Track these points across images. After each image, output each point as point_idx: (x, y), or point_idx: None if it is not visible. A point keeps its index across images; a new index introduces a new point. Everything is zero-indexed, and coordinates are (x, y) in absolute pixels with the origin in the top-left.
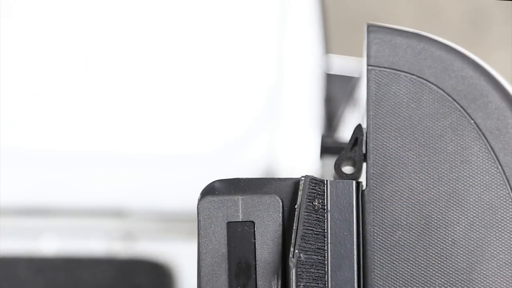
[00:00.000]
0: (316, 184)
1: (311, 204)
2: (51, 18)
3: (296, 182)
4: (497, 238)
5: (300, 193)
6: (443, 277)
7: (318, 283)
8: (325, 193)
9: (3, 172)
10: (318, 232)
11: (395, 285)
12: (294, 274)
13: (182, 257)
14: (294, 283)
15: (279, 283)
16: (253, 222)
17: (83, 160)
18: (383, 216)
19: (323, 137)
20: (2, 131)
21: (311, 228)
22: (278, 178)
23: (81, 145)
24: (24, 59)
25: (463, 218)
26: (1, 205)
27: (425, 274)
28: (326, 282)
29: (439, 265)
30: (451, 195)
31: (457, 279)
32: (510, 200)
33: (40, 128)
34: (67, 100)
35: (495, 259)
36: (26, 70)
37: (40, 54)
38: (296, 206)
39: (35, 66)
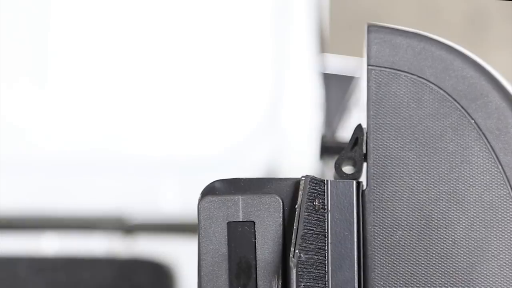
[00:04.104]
0: (316, 184)
1: (312, 204)
2: (51, 20)
3: (296, 182)
4: (498, 238)
5: (300, 193)
6: (443, 277)
7: (318, 283)
8: (326, 193)
9: (6, 177)
10: (318, 232)
11: (396, 285)
12: (294, 274)
13: (182, 257)
14: (294, 283)
15: (280, 283)
16: (253, 222)
17: (84, 162)
18: (384, 216)
19: (323, 137)
20: (6, 135)
21: (311, 228)
22: (278, 178)
23: (81, 147)
24: (23, 64)
25: (464, 218)
26: (2, 206)
27: (426, 274)
28: (327, 282)
29: (440, 265)
30: (452, 195)
31: (457, 279)
32: (511, 200)
33: (42, 132)
34: (70, 103)
35: (496, 259)
36: (28, 76)
37: (40, 60)
38: (296, 206)
39: (36, 72)
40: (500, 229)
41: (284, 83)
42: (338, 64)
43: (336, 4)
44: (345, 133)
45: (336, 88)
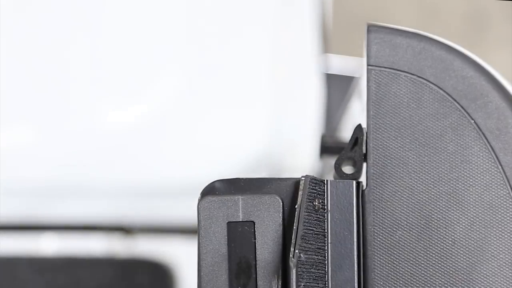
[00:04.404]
0: (316, 184)
1: (311, 204)
2: (44, 44)
3: (296, 182)
4: (497, 238)
5: (300, 193)
6: (443, 277)
7: (318, 283)
8: (325, 193)
9: (5, 180)
10: (318, 232)
11: (395, 285)
12: (294, 274)
13: (182, 257)
14: (294, 283)
15: (280, 283)
16: (253, 222)
17: (85, 165)
18: (383, 216)
19: (323, 137)
20: (7, 134)
21: (311, 228)
22: (278, 178)
23: (82, 151)
24: (21, 86)
25: (463, 218)
26: (2, 207)
27: (425, 274)
28: (327, 282)
29: (439, 265)
30: (451, 195)
31: (457, 279)
32: (510, 200)
33: (44, 133)
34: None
35: (496, 259)
36: (33, 95)
37: (37, 80)
38: (296, 206)
39: (41, 90)
40: (500, 229)
41: (284, 83)
42: (338, 64)
43: (336, 4)
44: (345, 133)
45: (336, 88)
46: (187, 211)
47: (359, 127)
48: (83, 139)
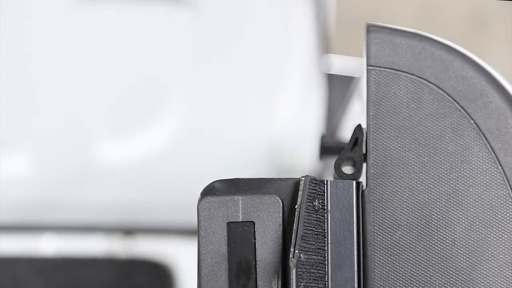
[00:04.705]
0: (316, 184)
1: (311, 204)
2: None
3: (296, 182)
4: (497, 238)
5: (300, 193)
6: (443, 277)
7: (318, 283)
8: (325, 193)
9: (7, 182)
10: (318, 232)
11: (395, 285)
12: (294, 274)
13: (182, 257)
14: (294, 283)
15: (279, 283)
16: (253, 222)
17: (86, 166)
18: (383, 216)
19: (323, 137)
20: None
21: (311, 228)
22: (278, 178)
23: (83, 151)
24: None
25: (463, 218)
26: (2, 207)
27: (425, 274)
28: (326, 282)
29: (439, 265)
30: (451, 195)
31: (457, 279)
32: (510, 200)
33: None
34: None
35: (495, 259)
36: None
37: (38, 101)
38: (296, 206)
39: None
40: (500, 229)
41: (284, 82)
42: (339, 64)
43: (336, 4)
44: (345, 133)
45: (336, 88)
46: (187, 212)
47: (359, 127)
48: (89, 154)
